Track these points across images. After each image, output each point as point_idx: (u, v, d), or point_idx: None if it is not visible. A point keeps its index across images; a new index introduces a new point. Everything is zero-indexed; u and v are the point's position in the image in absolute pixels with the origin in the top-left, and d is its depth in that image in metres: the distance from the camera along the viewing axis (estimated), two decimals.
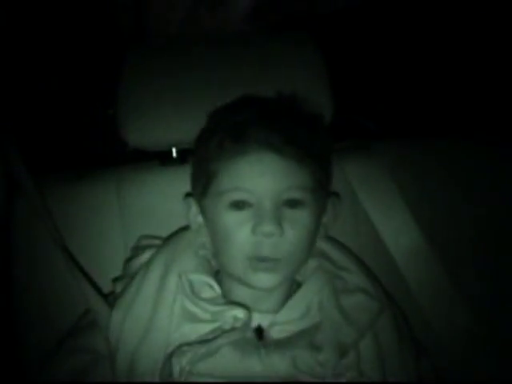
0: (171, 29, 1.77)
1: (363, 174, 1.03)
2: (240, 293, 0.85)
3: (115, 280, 0.92)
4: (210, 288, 0.85)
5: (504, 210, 1.04)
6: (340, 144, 1.09)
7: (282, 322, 0.84)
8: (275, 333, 0.83)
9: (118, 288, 0.89)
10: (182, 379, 0.78)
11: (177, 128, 0.96)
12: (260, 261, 0.80)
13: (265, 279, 0.81)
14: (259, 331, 0.84)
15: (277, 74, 0.98)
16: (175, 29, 1.77)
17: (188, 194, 0.91)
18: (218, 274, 0.89)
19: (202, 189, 0.85)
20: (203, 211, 0.86)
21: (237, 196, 0.80)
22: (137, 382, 0.81)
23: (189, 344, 0.80)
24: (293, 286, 0.88)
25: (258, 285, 0.81)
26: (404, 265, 0.98)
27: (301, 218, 0.81)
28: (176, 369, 0.79)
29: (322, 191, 0.85)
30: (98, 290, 0.90)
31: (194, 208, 0.88)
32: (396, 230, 0.99)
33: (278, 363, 0.80)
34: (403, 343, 0.87)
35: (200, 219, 0.87)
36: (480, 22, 1.66)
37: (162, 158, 1.04)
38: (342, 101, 1.03)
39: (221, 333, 0.81)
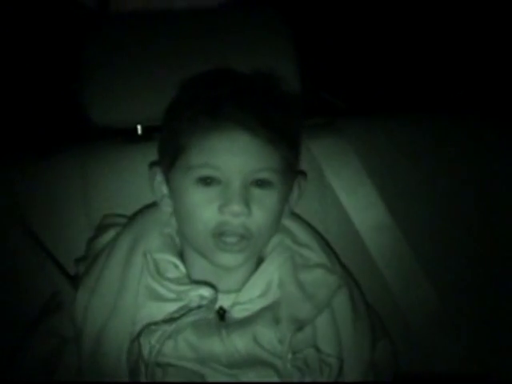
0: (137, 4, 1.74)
1: (329, 151, 1.03)
2: (203, 271, 0.85)
3: (78, 260, 0.90)
4: (175, 267, 0.85)
5: (471, 185, 1.05)
6: (306, 121, 1.08)
7: (243, 302, 0.84)
8: (237, 313, 0.84)
9: (81, 268, 0.88)
10: (152, 359, 0.78)
11: (142, 104, 0.94)
12: (225, 239, 0.80)
13: (230, 258, 0.81)
14: (221, 312, 0.84)
15: (244, 48, 0.96)
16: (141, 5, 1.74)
17: (154, 163, 0.89)
18: (182, 253, 0.88)
19: (169, 161, 0.83)
20: (169, 183, 0.85)
21: (205, 172, 0.80)
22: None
23: (156, 323, 0.80)
24: (256, 262, 0.88)
25: (223, 263, 0.81)
26: (370, 242, 0.99)
27: (268, 199, 0.81)
28: (146, 348, 0.78)
29: (291, 172, 0.86)
30: (63, 271, 0.89)
31: (160, 178, 0.87)
32: (361, 206, 1.00)
33: (239, 341, 0.80)
34: (358, 321, 0.88)
35: (164, 189, 0.86)
36: None
37: (127, 136, 1.02)
38: (308, 77, 1.02)
39: (187, 311, 0.81)
